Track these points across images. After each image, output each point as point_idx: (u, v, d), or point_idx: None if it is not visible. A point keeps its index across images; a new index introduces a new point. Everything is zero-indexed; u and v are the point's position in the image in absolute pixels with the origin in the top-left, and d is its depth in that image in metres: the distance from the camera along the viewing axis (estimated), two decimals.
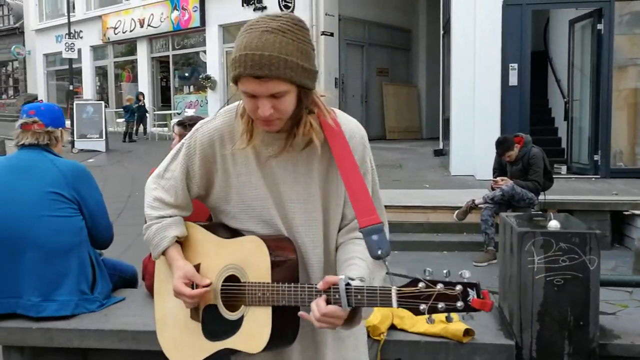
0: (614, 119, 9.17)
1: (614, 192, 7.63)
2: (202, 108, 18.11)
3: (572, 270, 2.37)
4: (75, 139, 15.00)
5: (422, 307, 1.29)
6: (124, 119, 17.59)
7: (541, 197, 6.37)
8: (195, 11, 17.66)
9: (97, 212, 2.92)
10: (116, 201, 8.33)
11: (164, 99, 20.82)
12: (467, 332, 2.47)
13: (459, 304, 1.27)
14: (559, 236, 2.38)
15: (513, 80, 9.15)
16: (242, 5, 16.39)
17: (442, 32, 12.20)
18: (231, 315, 1.59)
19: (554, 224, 2.46)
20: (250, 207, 1.61)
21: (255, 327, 1.53)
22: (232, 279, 1.59)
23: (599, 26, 8.99)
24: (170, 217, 1.69)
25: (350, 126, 1.61)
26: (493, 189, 6.30)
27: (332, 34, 15.30)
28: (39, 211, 2.71)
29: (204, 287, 1.60)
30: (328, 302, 1.40)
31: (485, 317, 2.72)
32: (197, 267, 1.66)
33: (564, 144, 10.67)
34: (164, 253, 1.67)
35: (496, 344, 2.46)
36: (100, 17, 21.30)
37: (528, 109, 9.37)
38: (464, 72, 9.43)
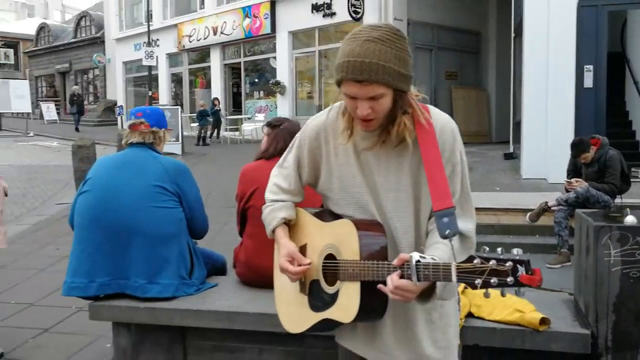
0: None
1: None
2: (272, 112, 18.58)
3: None
4: None
5: (477, 281, 1.42)
6: (197, 124, 18.30)
7: (617, 200, 6.29)
8: (266, 18, 18.18)
9: (195, 204, 3.21)
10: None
11: (236, 104, 21.51)
12: (543, 321, 2.57)
13: (509, 279, 1.39)
14: (635, 230, 2.46)
15: (588, 82, 8.99)
16: (312, 12, 16.76)
17: (513, 34, 12.08)
18: (330, 289, 1.80)
19: (630, 219, 2.53)
20: (349, 194, 1.81)
21: (347, 300, 1.73)
22: (330, 257, 1.80)
23: None
24: (283, 201, 1.95)
25: (442, 121, 1.77)
26: (567, 190, 6.27)
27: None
28: (146, 202, 3.01)
29: (305, 265, 1.82)
30: (401, 277, 1.55)
31: (562, 308, 2.82)
32: (304, 247, 1.89)
33: None
34: (273, 231, 1.92)
35: (572, 332, 2.55)
36: (175, 25, 22.23)
37: (604, 111, 9.18)
38: (536, 74, 9.34)
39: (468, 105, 17.21)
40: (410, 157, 1.74)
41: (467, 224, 1.75)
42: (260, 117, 18.52)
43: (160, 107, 17.98)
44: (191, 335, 3.10)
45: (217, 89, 20.95)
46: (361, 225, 1.73)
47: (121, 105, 25.07)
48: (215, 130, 18.98)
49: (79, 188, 3.24)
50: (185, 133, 17.96)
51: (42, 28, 37.96)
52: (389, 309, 1.75)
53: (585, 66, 9.00)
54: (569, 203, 6.05)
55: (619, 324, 2.49)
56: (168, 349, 3.11)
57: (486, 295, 1.48)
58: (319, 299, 1.84)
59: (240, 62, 20.48)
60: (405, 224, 1.77)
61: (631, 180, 6.45)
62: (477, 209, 6.87)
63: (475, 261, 1.43)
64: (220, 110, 18.91)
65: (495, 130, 17.09)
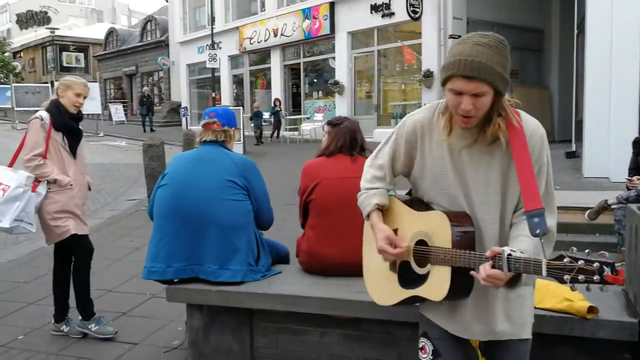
0: None
1: None
2: (330, 112, 18.86)
3: None
4: None
5: (566, 277, 1.59)
6: (253, 124, 18.83)
7: None
8: (325, 19, 18.47)
9: (262, 198, 3.47)
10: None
11: (295, 104, 21.91)
12: (591, 310, 2.69)
13: (596, 277, 1.55)
14: None
15: None
16: (371, 12, 16.93)
17: (576, 31, 11.89)
18: (421, 271, 2.00)
19: None
20: (439, 186, 2.01)
21: (438, 281, 1.93)
22: (421, 243, 2.01)
23: None
24: (377, 189, 2.16)
25: (531, 126, 1.93)
26: (629, 188, 6.22)
27: (459, 37, 15.34)
28: (218, 195, 3.29)
29: (403, 248, 2.03)
30: (493, 267, 1.74)
31: (611, 298, 2.91)
32: (395, 231, 2.10)
33: None
34: (368, 216, 2.14)
35: (619, 321, 2.65)
36: (237, 28, 22.84)
37: None
38: (599, 71, 9.22)
39: (529, 104, 16.90)
40: (501, 156, 1.92)
41: (550, 221, 1.91)
42: (319, 117, 18.82)
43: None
44: (258, 318, 3.36)
45: (277, 89, 21.42)
46: (453, 217, 1.92)
47: (186, 107, 25.93)
48: (276, 131, 19.42)
49: (157, 182, 3.56)
50: (246, 133, 18.48)
51: (110, 32, 39.61)
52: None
53: None
54: (630, 201, 5.99)
55: None
56: (236, 330, 3.39)
57: (572, 289, 1.64)
58: (409, 278, 2.05)
59: (299, 63, 20.87)
60: (491, 216, 1.95)
61: None
62: None
63: (565, 259, 1.60)
64: (280, 110, 19.35)
65: (558, 129, 16.77)
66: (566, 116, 14.91)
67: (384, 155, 2.15)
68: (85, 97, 4.16)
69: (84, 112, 4.37)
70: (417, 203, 2.09)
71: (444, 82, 1.84)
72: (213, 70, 18.30)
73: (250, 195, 3.40)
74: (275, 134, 19.46)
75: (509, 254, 1.71)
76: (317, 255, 3.37)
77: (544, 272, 1.63)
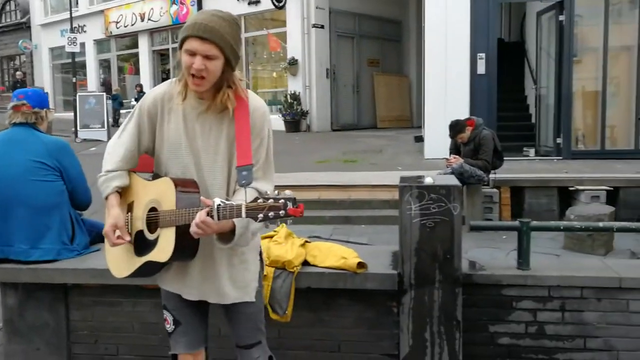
0: (576, 105, 9.77)
1: (564, 171, 8.25)
2: None
3: (440, 215, 3.02)
4: (78, 129, 15.75)
5: (260, 215, 1.85)
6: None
7: (492, 175, 7.00)
8: (192, 5, 18.31)
9: (76, 178, 3.53)
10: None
11: None
12: (361, 265, 3.13)
13: (282, 212, 1.84)
14: (429, 189, 3.03)
15: (481, 69, 9.76)
16: (237, 0, 17.00)
17: (423, 24, 12.78)
18: (151, 236, 2.19)
19: (428, 180, 3.11)
20: (174, 156, 2.20)
21: (165, 243, 2.12)
22: (153, 210, 2.20)
23: (561, 17, 9.59)
24: (116, 170, 2.27)
25: (255, 103, 2.20)
26: (447, 167, 6.94)
27: (322, 26, 15.92)
28: (27, 176, 3.34)
29: (124, 241, 2.21)
30: (208, 215, 1.97)
31: (385, 256, 3.38)
32: (132, 204, 2.28)
33: (535, 130, 11.28)
34: (107, 198, 2.26)
35: (383, 273, 3.11)
36: (102, 11, 21.99)
37: (495, 96, 9.99)
38: (435, 61, 10.05)
39: (390, 91, 17.92)
40: (228, 126, 2.16)
41: (268, 186, 2.17)
42: None
43: (86, 93, 17.97)
44: (73, 293, 3.50)
45: (146, 75, 20.94)
46: (178, 182, 2.13)
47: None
48: None
49: None
50: (111, 120, 18.00)
51: None
52: (198, 255, 2.18)
53: (478, 54, 9.75)
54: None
55: (419, 264, 3.06)
56: (51, 306, 3.50)
57: (266, 228, 1.95)
58: (142, 246, 2.21)
59: (168, 49, 20.53)
60: (219, 181, 2.19)
61: (514, 157, 7.19)
62: (376, 187, 7.41)
63: (259, 200, 1.86)
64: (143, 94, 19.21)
65: (416, 115, 17.82)
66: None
67: (129, 132, 2.24)
68: None
69: None
70: (153, 176, 2.29)
71: (180, 45, 2.06)
72: (73, 54, 17.53)
73: (64, 176, 3.49)
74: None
75: (219, 204, 1.93)
76: None
77: (243, 214, 1.87)
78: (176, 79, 2.18)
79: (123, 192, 2.30)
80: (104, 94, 17.20)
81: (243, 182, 2.07)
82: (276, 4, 15.58)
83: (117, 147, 2.27)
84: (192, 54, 2.03)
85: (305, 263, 3.23)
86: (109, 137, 15.84)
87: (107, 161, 2.28)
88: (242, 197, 2.00)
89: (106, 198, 2.26)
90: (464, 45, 9.76)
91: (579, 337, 3.15)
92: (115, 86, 21.26)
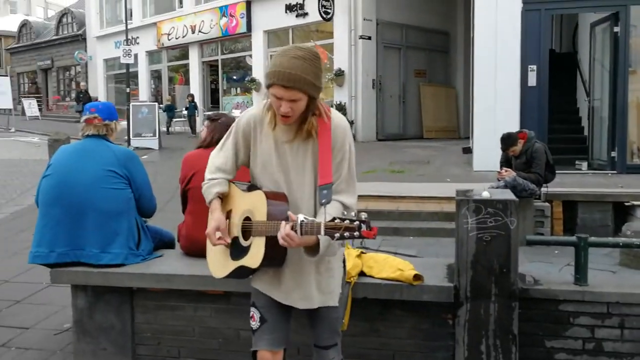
0: (631, 117, 9.56)
1: (619, 185, 8.08)
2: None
3: (497, 229, 3.05)
4: (131, 137, 16.25)
5: (336, 235, 2.01)
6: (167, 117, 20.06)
7: (544, 189, 6.94)
8: (242, 18, 18.70)
9: (143, 187, 3.75)
10: (164, 192, 9.27)
11: (213, 100, 22.01)
12: (417, 277, 3.19)
13: (356, 233, 1.99)
14: (486, 203, 3.07)
15: (532, 80, 9.66)
16: (286, 12, 17.31)
17: (472, 34, 12.73)
18: (245, 243, 2.40)
19: (485, 194, 3.14)
20: (266, 172, 2.41)
21: (256, 250, 2.32)
22: (248, 219, 2.40)
23: (616, 29, 9.42)
24: (217, 179, 2.49)
25: (337, 120, 2.37)
26: (498, 180, 6.91)
27: (369, 38, 16.02)
28: (98, 184, 3.56)
29: (224, 241, 2.40)
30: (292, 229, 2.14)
31: (440, 269, 3.43)
32: (230, 212, 2.49)
33: (588, 142, 11.07)
34: (210, 203, 2.48)
35: (439, 285, 3.16)
36: (155, 24, 22.65)
37: (546, 108, 9.86)
38: (485, 73, 9.99)
39: (436, 102, 17.86)
40: (313, 145, 2.35)
41: (350, 199, 2.37)
42: (237, 113, 18.97)
43: (139, 103, 18.52)
44: (138, 296, 3.67)
45: (196, 85, 21.45)
46: (270, 195, 2.33)
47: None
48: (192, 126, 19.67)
49: (43, 172, 3.79)
50: (162, 129, 18.50)
51: (24, 25, 38.07)
52: (289, 262, 2.37)
53: (529, 66, 9.66)
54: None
55: (475, 278, 3.10)
56: (118, 309, 3.68)
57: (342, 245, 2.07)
58: (237, 251, 2.43)
59: (217, 60, 20.98)
60: (307, 195, 2.37)
61: (566, 171, 7.10)
62: (424, 198, 7.44)
63: (335, 220, 2.03)
64: (194, 104, 19.85)
65: (464, 126, 17.73)
66: (470, 114, 15.87)
67: (227, 147, 2.49)
68: None
69: None
70: (250, 187, 2.49)
71: (267, 86, 2.24)
72: (127, 65, 18.11)
73: (131, 184, 3.69)
74: (191, 130, 19.59)
75: (302, 221, 2.11)
76: (194, 239, 3.68)
77: (322, 232, 2.04)
78: (267, 104, 2.35)
79: (223, 200, 2.51)
80: (156, 103, 17.70)
81: (323, 200, 2.22)
82: (324, 16, 15.77)
83: (217, 159, 2.52)
84: (279, 98, 2.20)
85: (362, 274, 3.31)
86: (160, 146, 16.30)
87: (209, 171, 2.53)
88: (325, 214, 2.16)
89: (209, 203, 2.48)
90: (515, 56, 9.70)
91: (639, 355, 3.13)
92: (166, 96, 22.12)
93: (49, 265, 3.66)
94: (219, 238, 2.40)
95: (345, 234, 1.99)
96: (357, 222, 1.99)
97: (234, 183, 2.55)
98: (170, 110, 20.25)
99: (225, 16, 19.36)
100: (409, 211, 7.90)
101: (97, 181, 3.57)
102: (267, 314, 2.48)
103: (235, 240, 2.46)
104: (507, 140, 6.87)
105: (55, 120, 25.29)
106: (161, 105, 21.56)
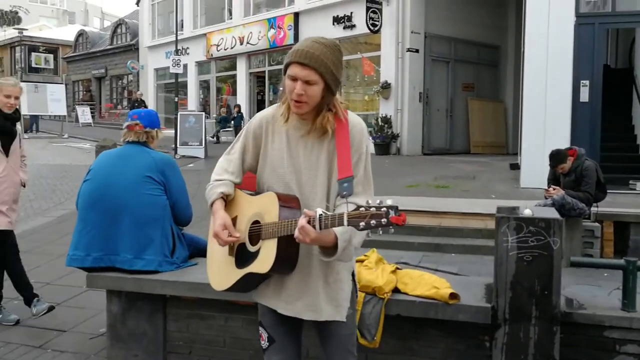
0: None
1: None
2: None
3: (539, 249, 2.91)
4: (178, 146, 16.52)
5: (362, 224, 1.86)
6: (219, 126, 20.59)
7: (594, 208, 6.66)
8: (289, 29, 18.85)
9: (178, 194, 3.75)
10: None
11: (260, 110, 22.14)
12: (453, 296, 3.07)
13: (383, 220, 1.81)
14: (528, 221, 2.93)
15: (584, 96, 9.35)
16: (333, 24, 17.36)
17: (522, 48, 12.45)
18: (253, 248, 2.26)
19: (527, 212, 3.00)
20: (276, 174, 2.29)
21: (266, 253, 2.18)
22: (256, 223, 2.27)
23: None
24: (223, 180, 2.39)
25: (354, 121, 2.28)
26: (546, 198, 6.67)
27: (417, 50, 15.88)
28: (135, 189, 3.58)
29: (234, 237, 2.29)
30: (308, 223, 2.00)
31: (478, 288, 3.30)
32: (235, 218, 2.36)
33: None
34: (212, 205, 2.36)
35: (476, 305, 3.03)
36: (205, 35, 23.08)
37: (599, 125, 9.51)
38: (535, 88, 9.71)
39: (484, 117, 17.54)
40: (329, 143, 2.25)
41: (367, 200, 2.17)
42: None
43: (186, 112, 18.85)
44: (170, 304, 3.67)
45: (242, 96, 21.71)
46: (281, 197, 2.21)
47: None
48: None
49: (84, 177, 3.85)
50: (209, 138, 18.74)
51: (80, 35, 39.40)
52: (296, 268, 2.22)
53: (581, 81, 9.35)
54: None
55: (515, 299, 2.96)
56: (151, 316, 3.68)
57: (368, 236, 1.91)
58: (244, 258, 2.29)
59: (264, 71, 21.19)
60: (319, 196, 2.25)
61: (619, 190, 6.81)
62: (467, 214, 7.21)
63: (360, 209, 1.88)
64: (240, 115, 20.17)
65: (512, 142, 17.35)
66: (519, 129, 15.51)
67: (236, 150, 2.38)
68: (17, 98, 4.37)
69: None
70: (256, 193, 2.37)
71: (285, 70, 2.17)
72: (177, 75, 18.47)
73: (167, 190, 3.69)
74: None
75: (320, 214, 1.98)
76: None
77: (345, 222, 1.90)
78: (282, 97, 2.28)
79: (229, 208, 2.38)
80: (203, 113, 17.97)
81: (344, 193, 2.10)
82: (371, 28, 15.73)
83: (225, 162, 2.42)
84: (294, 79, 2.13)
85: (396, 290, 3.21)
86: (206, 155, 16.49)
87: (215, 172, 2.43)
88: (344, 209, 2.02)
89: (211, 206, 2.35)
90: (566, 71, 9.40)
91: None
92: (219, 107, 22.46)
93: (85, 268, 3.71)
94: (229, 235, 2.26)
95: (372, 222, 1.83)
96: (384, 209, 1.84)
97: (241, 190, 2.42)
98: (225, 121, 20.68)
99: (273, 28, 19.56)
100: (451, 227, 7.71)
101: (133, 186, 3.59)
102: (274, 333, 2.38)
103: (241, 247, 2.32)
104: (556, 157, 6.63)
105: (106, 127, 25.99)
106: (215, 116, 22.09)
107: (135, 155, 3.71)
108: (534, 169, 9.71)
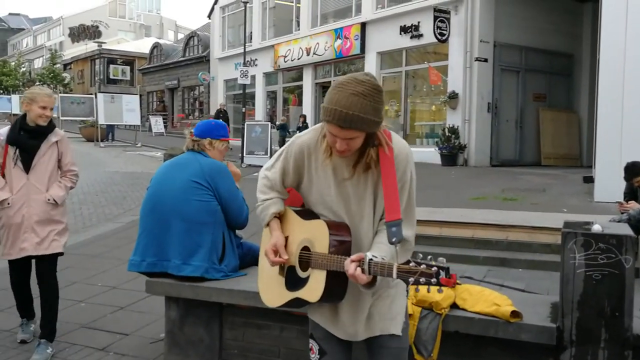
0: None
1: None
2: None
3: (609, 267, 2.73)
4: (244, 155, 16.82)
5: (411, 279, 1.84)
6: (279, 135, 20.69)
7: None
8: (356, 39, 18.88)
9: (227, 197, 3.70)
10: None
11: None
12: (515, 314, 2.92)
13: (433, 280, 1.80)
14: (598, 237, 2.75)
15: None
16: (400, 34, 17.26)
17: (598, 55, 11.94)
18: (303, 274, 2.25)
19: (596, 227, 2.82)
20: (324, 201, 2.26)
21: (315, 284, 2.17)
22: (306, 248, 2.26)
23: None
24: (272, 199, 2.39)
25: (399, 147, 2.20)
26: (622, 212, 6.32)
27: (486, 60, 15.53)
28: (185, 195, 3.61)
29: (282, 259, 2.28)
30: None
31: (542, 306, 3.13)
32: (287, 238, 2.34)
33: None
34: (268, 225, 2.38)
35: (540, 325, 2.86)
36: (272, 46, 23.46)
37: None
38: (611, 96, 9.28)
39: (557, 128, 16.92)
40: (373, 175, 2.20)
41: (407, 231, 2.17)
42: None
43: (253, 122, 19.18)
44: (227, 312, 3.68)
45: (308, 106, 21.88)
46: (332, 226, 2.18)
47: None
48: None
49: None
50: (275, 147, 18.97)
51: (155, 47, 40.97)
52: (346, 297, 2.21)
53: None
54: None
55: (582, 320, 2.78)
56: (208, 323, 3.71)
57: (416, 290, 1.90)
58: (293, 281, 2.27)
59: (330, 82, 21.27)
60: (368, 226, 2.23)
61: None
62: (536, 228, 6.91)
63: (410, 264, 1.86)
64: (306, 125, 20.19)
65: (586, 154, 16.64)
66: (594, 141, 14.86)
67: (276, 170, 2.36)
68: (51, 109, 4.14)
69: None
70: (308, 213, 2.33)
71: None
72: (244, 86, 18.86)
73: (217, 196, 3.68)
74: None
75: (370, 259, 1.96)
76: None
77: (395, 275, 1.87)
78: (322, 130, 2.18)
79: (281, 226, 2.38)
80: (269, 123, 18.24)
81: (393, 239, 2.05)
82: (439, 37, 15.51)
83: (267, 181, 2.40)
84: (334, 135, 2.05)
85: (454, 306, 3.09)
86: None
87: (260, 191, 2.42)
88: (387, 252, 2.06)
89: (266, 225, 2.37)
90: None
91: None
92: (281, 116, 22.82)
93: (145, 273, 3.78)
94: (278, 257, 2.27)
95: (421, 280, 1.82)
96: (435, 268, 1.81)
97: (290, 207, 2.40)
98: (283, 129, 20.82)
99: (339, 38, 19.64)
100: (518, 241, 7.43)
101: (183, 192, 3.62)
102: (326, 346, 2.33)
103: (291, 269, 2.31)
104: (632, 170, 6.27)
105: (178, 137, 26.79)
106: (275, 124, 22.38)
107: (187, 162, 3.75)
108: (609, 182, 9.24)
